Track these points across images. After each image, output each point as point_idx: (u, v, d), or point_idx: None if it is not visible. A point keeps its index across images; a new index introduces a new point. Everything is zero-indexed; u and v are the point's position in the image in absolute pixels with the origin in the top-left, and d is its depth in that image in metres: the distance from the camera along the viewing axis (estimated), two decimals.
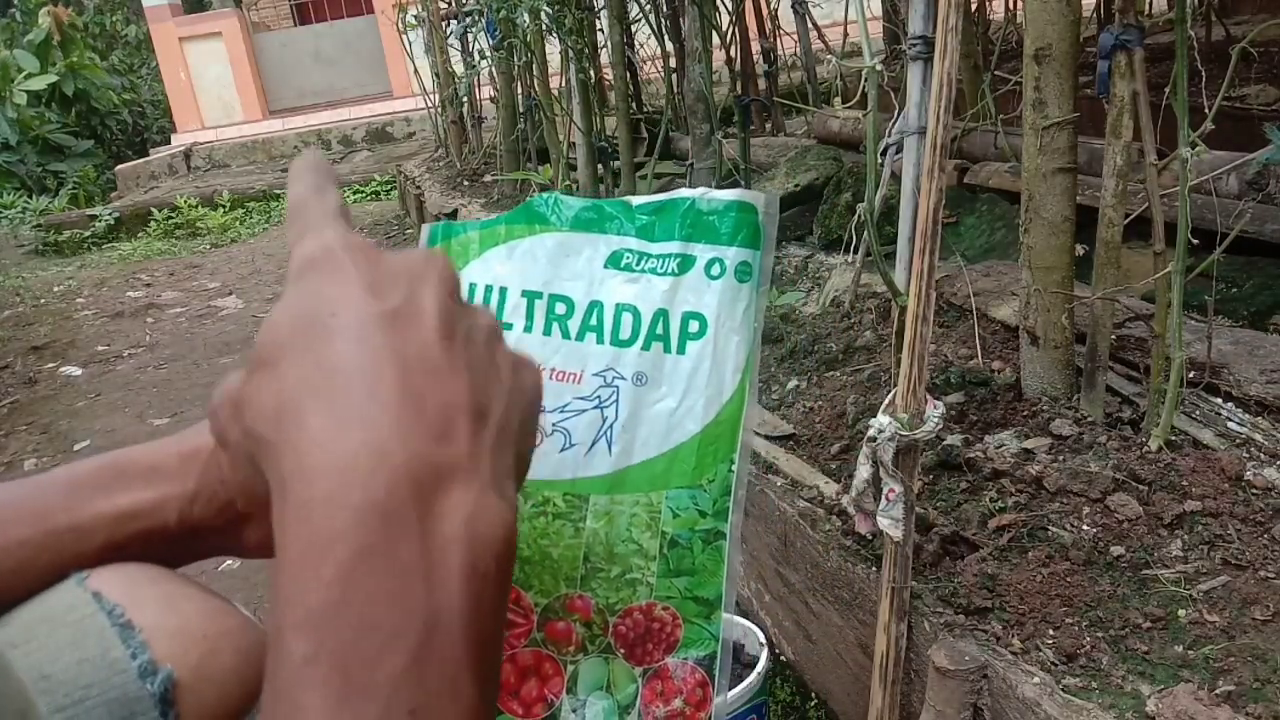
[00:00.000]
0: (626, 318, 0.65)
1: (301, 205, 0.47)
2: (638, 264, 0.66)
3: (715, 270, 0.64)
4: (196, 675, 0.50)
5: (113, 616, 0.49)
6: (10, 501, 0.54)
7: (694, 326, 0.64)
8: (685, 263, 0.65)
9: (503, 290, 0.66)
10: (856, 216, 1.86)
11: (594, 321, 0.65)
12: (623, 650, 0.62)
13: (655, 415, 0.64)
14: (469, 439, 0.38)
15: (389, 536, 0.35)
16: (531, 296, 0.66)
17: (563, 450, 0.64)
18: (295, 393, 0.38)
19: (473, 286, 0.67)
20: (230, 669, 0.52)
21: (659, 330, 0.65)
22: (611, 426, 0.64)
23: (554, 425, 0.64)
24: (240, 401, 0.42)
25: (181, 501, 0.56)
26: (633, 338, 0.65)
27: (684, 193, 0.68)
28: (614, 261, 0.66)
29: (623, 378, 0.64)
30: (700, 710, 0.63)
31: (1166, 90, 1.24)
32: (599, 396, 0.64)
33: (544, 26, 3.27)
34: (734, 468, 0.64)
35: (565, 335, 0.65)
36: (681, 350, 0.64)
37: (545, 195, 0.67)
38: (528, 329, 0.66)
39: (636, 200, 0.67)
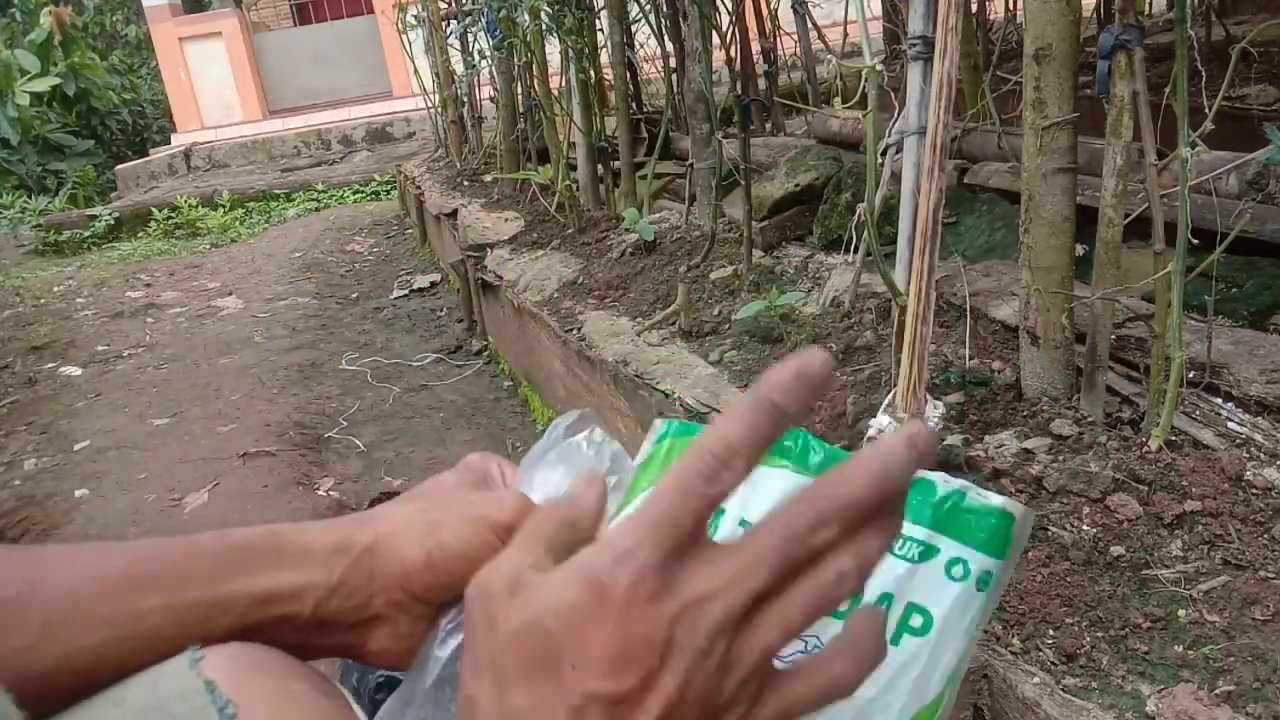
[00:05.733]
0: None
1: (676, 480, 0.41)
2: None
3: (957, 572, 0.57)
4: None
5: (223, 715, 0.46)
6: (154, 558, 0.52)
7: (916, 621, 0.57)
8: (928, 552, 0.58)
9: (719, 512, 0.56)
10: (856, 216, 1.86)
11: None
12: None
13: (848, 700, 0.54)
14: None
15: None
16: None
17: None
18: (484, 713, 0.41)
19: None
20: None
21: None
22: None
23: None
24: (473, 653, 0.43)
25: (322, 591, 0.54)
26: (848, 611, 0.56)
27: (946, 482, 0.60)
28: None
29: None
30: None
31: (1166, 90, 1.24)
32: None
33: (544, 26, 3.27)
34: None
35: None
36: (896, 642, 0.57)
37: (796, 432, 0.58)
38: None
39: None
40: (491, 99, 4.49)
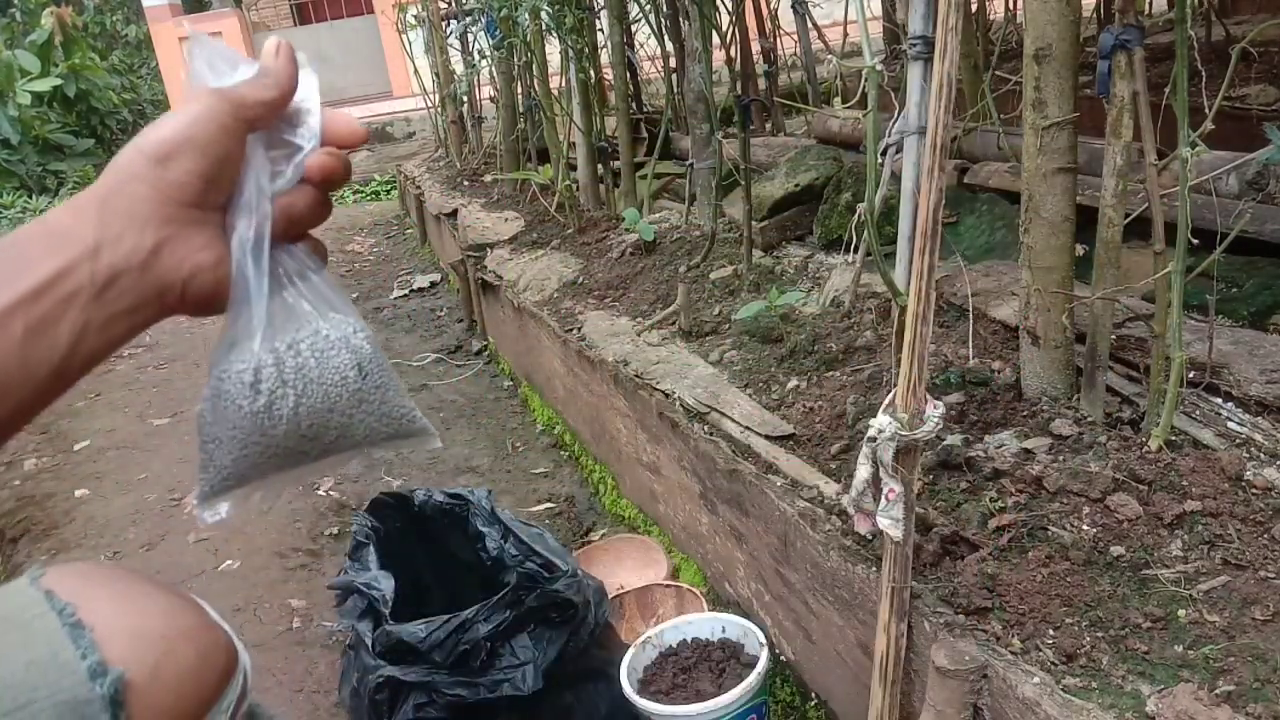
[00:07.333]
0: None
1: None
2: None
3: None
4: (152, 677, 0.49)
5: (63, 616, 0.48)
6: None
7: None
8: None
9: None
10: (856, 216, 1.86)
11: None
12: None
13: None
14: None
15: None
16: None
17: None
18: None
19: None
20: (188, 671, 0.50)
21: None
22: None
23: None
24: None
25: (87, 256, 0.53)
26: None
27: None
28: None
29: None
30: None
31: (1166, 90, 1.24)
32: None
33: (544, 26, 3.27)
34: None
35: None
36: None
37: None
38: None
39: None
40: (491, 99, 4.49)
